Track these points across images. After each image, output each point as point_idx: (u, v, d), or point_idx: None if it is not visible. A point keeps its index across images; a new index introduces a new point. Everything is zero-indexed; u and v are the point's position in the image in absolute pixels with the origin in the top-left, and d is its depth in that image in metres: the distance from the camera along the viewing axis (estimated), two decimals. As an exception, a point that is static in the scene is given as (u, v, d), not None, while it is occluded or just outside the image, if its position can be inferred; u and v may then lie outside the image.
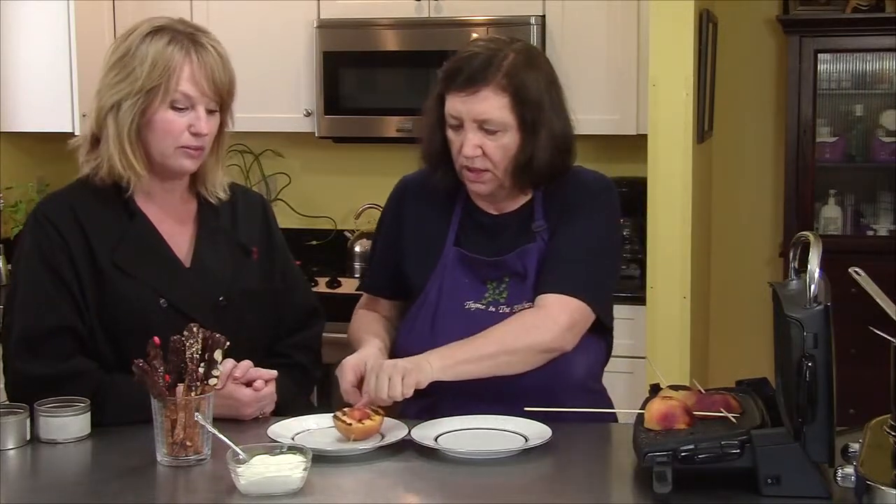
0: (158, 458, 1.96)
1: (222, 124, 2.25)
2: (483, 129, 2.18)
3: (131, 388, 2.03)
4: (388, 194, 2.49)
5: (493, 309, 2.25)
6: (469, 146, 2.19)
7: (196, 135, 2.17)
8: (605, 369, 2.41)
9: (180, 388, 1.96)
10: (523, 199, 2.31)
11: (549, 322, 2.16)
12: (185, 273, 2.24)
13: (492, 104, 2.17)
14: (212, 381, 1.99)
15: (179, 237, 2.27)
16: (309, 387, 2.49)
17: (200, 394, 1.97)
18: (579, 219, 2.26)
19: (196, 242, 2.27)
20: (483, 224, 2.32)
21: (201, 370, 1.98)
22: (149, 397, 1.96)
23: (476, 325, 2.19)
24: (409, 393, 2.06)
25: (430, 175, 2.33)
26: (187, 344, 1.97)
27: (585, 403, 2.20)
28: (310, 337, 2.44)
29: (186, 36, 2.17)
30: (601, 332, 2.31)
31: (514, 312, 2.23)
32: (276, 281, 2.36)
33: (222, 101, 2.21)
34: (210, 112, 2.19)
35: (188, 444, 1.94)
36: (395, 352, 2.30)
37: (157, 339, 1.97)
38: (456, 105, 2.20)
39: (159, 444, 1.96)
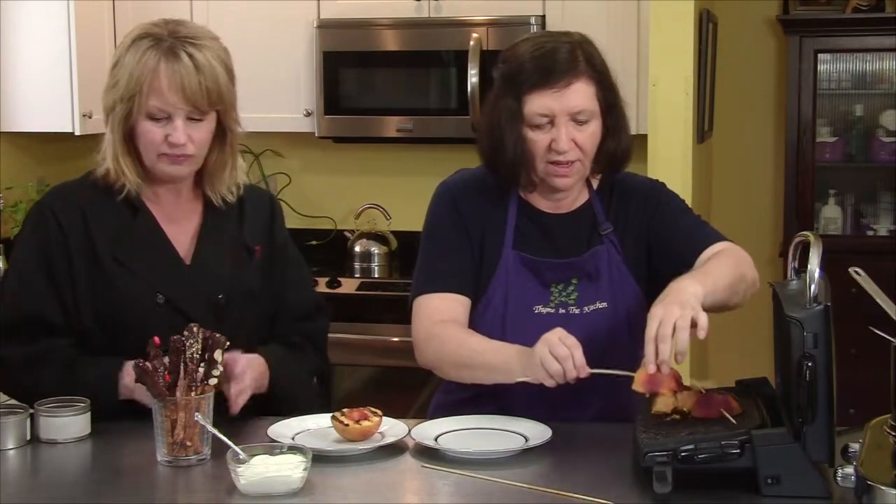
0: (158, 458, 1.96)
1: (224, 128, 2.25)
2: (575, 120, 2.18)
3: (107, 365, 2.14)
4: (431, 203, 2.34)
5: (564, 311, 2.23)
6: (564, 140, 2.17)
7: (173, 144, 2.16)
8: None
9: (180, 387, 1.97)
10: (581, 199, 2.31)
11: (747, 257, 2.24)
12: (185, 271, 2.25)
13: (584, 95, 2.17)
14: (212, 381, 1.99)
15: (183, 235, 2.27)
16: (310, 366, 2.40)
17: (200, 394, 1.97)
18: (676, 202, 2.35)
19: (198, 241, 2.28)
20: (541, 224, 2.29)
21: (201, 370, 1.98)
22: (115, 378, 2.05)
23: (546, 330, 2.11)
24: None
25: (507, 181, 2.25)
26: (187, 344, 1.98)
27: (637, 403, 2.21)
28: (310, 329, 2.40)
29: (166, 44, 2.15)
30: None
31: (585, 315, 2.22)
32: (275, 279, 2.36)
33: (208, 108, 2.18)
34: (194, 120, 2.17)
35: (188, 444, 1.94)
36: None
37: (157, 338, 1.97)
38: (545, 102, 2.17)
39: (159, 444, 1.96)
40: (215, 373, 1.99)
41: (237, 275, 2.28)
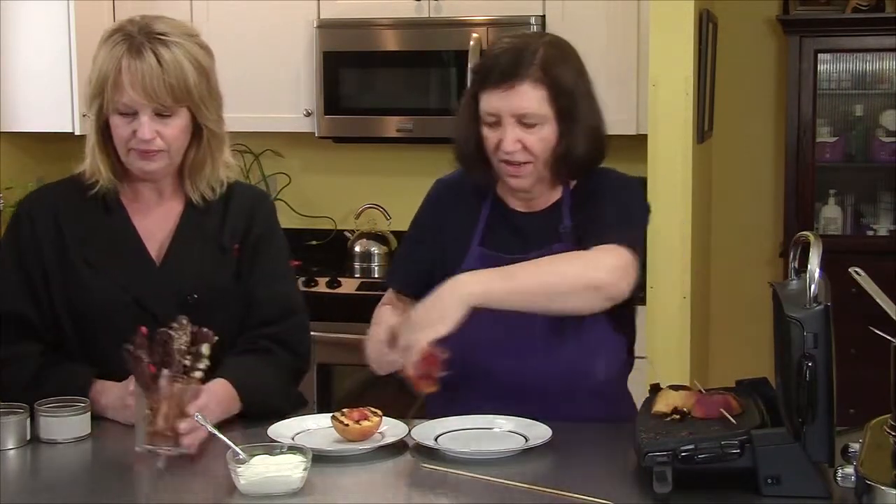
0: (137, 446, 1.96)
1: (199, 124, 2.24)
2: (522, 123, 2.18)
3: (74, 378, 2.15)
4: (422, 197, 2.44)
5: None
6: (509, 141, 2.18)
7: (140, 139, 2.18)
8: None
9: (164, 378, 1.96)
10: (554, 197, 2.30)
11: (598, 258, 2.12)
12: (153, 270, 2.26)
13: (530, 98, 2.17)
14: (196, 374, 1.99)
15: (158, 234, 2.29)
16: (282, 371, 2.30)
17: (185, 386, 1.97)
18: (619, 197, 2.26)
19: (172, 240, 2.28)
20: (512, 222, 2.30)
21: (187, 362, 1.98)
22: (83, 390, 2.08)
23: (501, 325, 2.15)
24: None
25: (467, 175, 2.32)
26: (174, 336, 1.97)
27: (604, 407, 2.21)
28: (279, 332, 2.30)
29: (134, 41, 2.16)
30: (621, 330, 2.29)
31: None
32: (247, 277, 2.32)
33: (173, 104, 2.18)
34: (162, 116, 2.18)
35: (168, 434, 1.94)
36: None
37: (144, 328, 1.98)
38: (493, 102, 2.19)
39: (139, 432, 1.96)
40: (200, 366, 1.99)
41: (209, 274, 2.27)
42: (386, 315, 2.29)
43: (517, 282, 2.07)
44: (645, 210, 2.33)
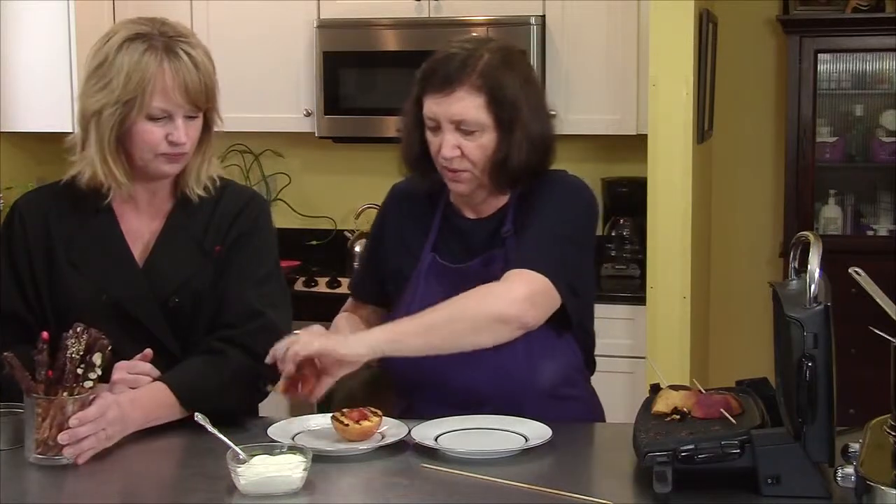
0: (26, 455, 1.96)
1: (209, 124, 2.24)
2: (460, 129, 2.18)
3: None
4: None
5: None
6: (447, 147, 2.18)
7: (174, 143, 2.17)
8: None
9: (48, 387, 1.95)
10: (500, 203, 2.29)
11: (504, 290, 2.11)
12: (135, 272, 2.24)
13: (467, 105, 2.16)
14: (87, 384, 1.97)
15: (146, 236, 2.28)
16: (230, 371, 2.19)
17: (75, 395, 1.95)
18: (549, 208, 2.23)
19: (155, 242, 2.27)
20: (460, 229, 2.31)
21: (80, 371, 1.96)
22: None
23: None
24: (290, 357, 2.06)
25: (414, 178, 2.33)
26: (68, 343, 1.96)
27: (556, 411, 2.19)
28: (239, 333, 2.22)
29: (161, 44, 2.14)
30: (576, 333, 2.27)
31: None
32: (222, 279, 2.27)
33: (204, 105, 2.19)
34: (190, 118, 2.18)
35: (51, 443, 1.93)
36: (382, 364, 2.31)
37: (45, 333, 1.97)
38: (432, 107, 2.19)
39: (28, 439, 1.95)
40: (91, 376, 1.97)
41: (190, 278, 2.25)
42: (341, 322, 2.37)
43: (425, 329, 2.09)
44: (585, 226, 2.29)
